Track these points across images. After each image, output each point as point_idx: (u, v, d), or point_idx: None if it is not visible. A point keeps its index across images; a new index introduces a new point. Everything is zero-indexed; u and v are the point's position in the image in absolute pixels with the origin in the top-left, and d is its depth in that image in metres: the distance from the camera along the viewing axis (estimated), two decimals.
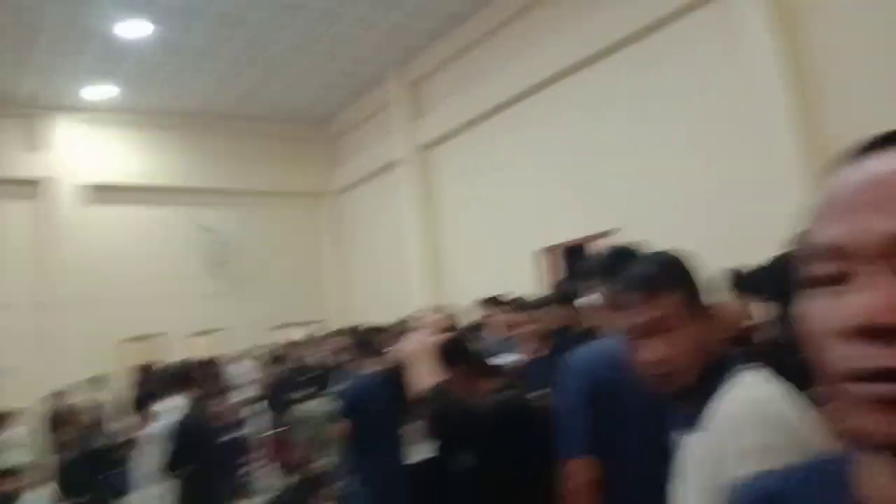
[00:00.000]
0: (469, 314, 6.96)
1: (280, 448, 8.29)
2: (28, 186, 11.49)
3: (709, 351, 1.27)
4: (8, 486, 7.29)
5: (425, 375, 1.90)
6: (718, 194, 7.34)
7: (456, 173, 11.43)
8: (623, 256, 1.85)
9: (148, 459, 5.84)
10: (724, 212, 7.24)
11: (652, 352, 1.24)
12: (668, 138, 7.93)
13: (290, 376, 9.17)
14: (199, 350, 12.49)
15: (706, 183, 7.48)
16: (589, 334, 3.97)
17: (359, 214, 14.00)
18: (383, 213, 12.97)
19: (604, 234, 9.38)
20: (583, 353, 1.87)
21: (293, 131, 14.17)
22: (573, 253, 9.34)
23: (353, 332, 9.71)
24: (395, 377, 4.30)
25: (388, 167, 12.67)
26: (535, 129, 9.81)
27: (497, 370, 2.70)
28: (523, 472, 1.84)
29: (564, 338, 4.07)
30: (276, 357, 10.65)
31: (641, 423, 1.61)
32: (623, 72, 8.47)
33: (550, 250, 9.83)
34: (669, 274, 1.28)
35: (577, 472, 1.74)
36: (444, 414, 1.80)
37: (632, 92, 8.38)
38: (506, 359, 4.45)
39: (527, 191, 9.90)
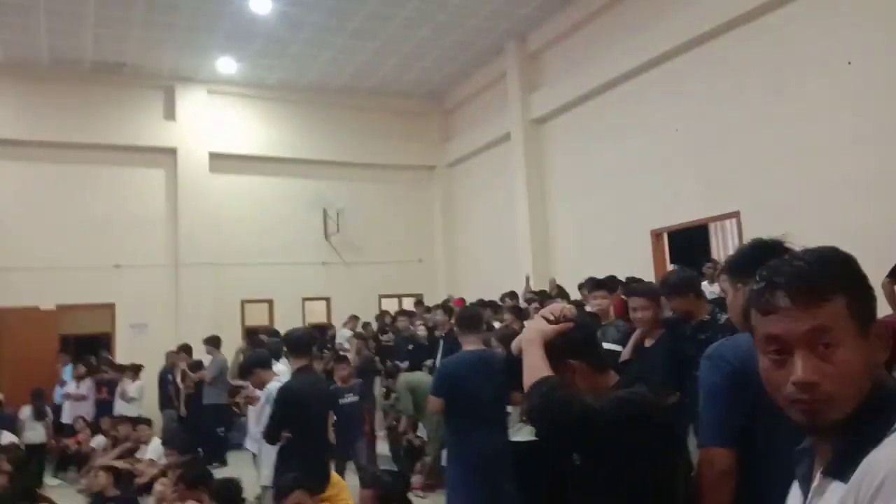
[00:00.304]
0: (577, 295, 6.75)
1: (384, 416, 8.47)
2: (163, 154, 12.23)
3: (874, 378, 1.01)
4: (126, 433, 7.88)
5: (538, 364, 1.78)
6: (870, 179, 6.64)
7: (569, 148, 11.10)
8: (770, 250, 1.88)
9: (256, 420, 6.08)
10: (878, 200, 6.53)
11: (807, 370, 0.98)
12: (808, 113, 7.27)
13: (396, 345, 9.35)
14: (311, 315, 13.00)
15: (855, 165, 6.80)
16: (710, 326, 3.74)
17: (469, 188, 13.96)
18: (493, 188, 12.84)
19: (726, 217, 8.85)
20: (728, 344, 1.95)
21: (407, 105, 14.27)
22: (691, 235, 8.88)
23: (460, 305, 9.78)
24: (496, 357, 4.24)
25: (500, 141, 12.50)
26: (653, 104, 9.32)
27: (616, 365, 2.53)
28: (637, 472, 1.70)
29: (682, 328, 3.83)
30: (385, 326, 10.88)
31: (784, 418, 1.42)
32: (755, 42, 7.83)
33: (666, 232, 9.40)
34: (837, 275, 1.03)
35: (715, 462, 1.83)
36: (550, 409, 1.67)
37: (765, 63, 7.73)
38: (613, 345, 4.25)
39: (643, 168, 9.46)
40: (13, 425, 8.86)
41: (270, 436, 4.33)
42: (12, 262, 10.67)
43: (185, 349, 10.10)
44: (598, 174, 10.33)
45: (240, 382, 7.58)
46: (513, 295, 9.29)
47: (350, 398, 6.97)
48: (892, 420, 0.95)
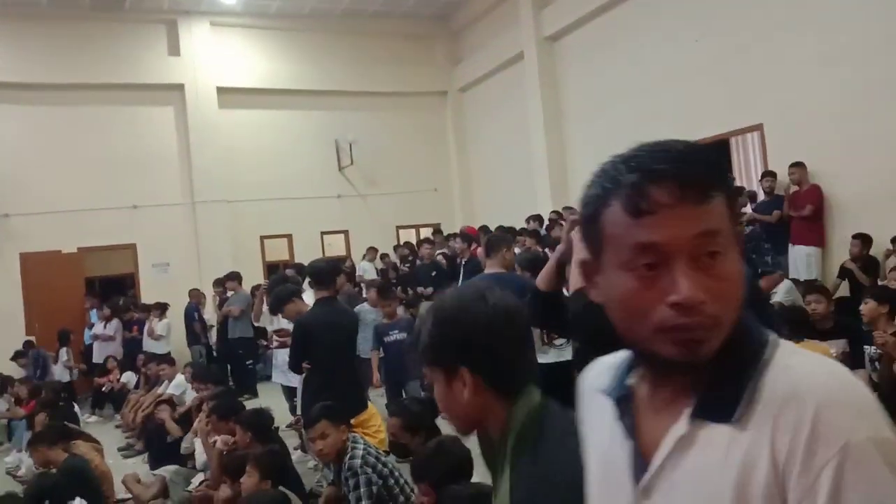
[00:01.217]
0: None
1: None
2: (171, 91, 12.04)
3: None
4: (157, 370, 8.05)
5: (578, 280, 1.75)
6: None
7: (584, 66, 10.75)
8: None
9: (281, 353, 6.16)
10: None
11: (693, 286, 0.75)
12: (834, 19, 6.93)
13: (421, 273, 9.44)
14: (330, 249, 13.04)
15: (883, 72, 6.51)
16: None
17: (482, 113, 13.66)
18: (507, 111, 12.55)
19: (748, 130, 8.61)
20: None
21: (414, 28, 13.84)
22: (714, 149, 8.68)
23: (473, 233, 9.76)
24: (517, 280, 4.20)
25: (513, 62, 12.13)
26: (672, 14, 8.93)
27: None
28: None
29: None
30: (407, 256, 10.92)
31: None
32: None
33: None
34: (719, 164, 0.81)
35: None
36: (588, 320, 1.62)
37: None
38: None
39: (662, 83, 9.15)
40: (47, 366, 9.11)
41: (292, 367, 4.40)
42: (31, 208, 10.71)
43: (218, 282, 10.18)
44: (615, 92, 10.03)
45: (263, 325, 7.66)
46: (538, 218, 9.24)
47: (396, 335, 6.24)
48: (763, 340, 0.80)
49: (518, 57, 11.86)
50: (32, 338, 9.93)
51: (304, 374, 4.52)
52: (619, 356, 0.93)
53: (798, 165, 7.26)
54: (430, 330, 1.29)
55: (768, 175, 7.63)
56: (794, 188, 7.42)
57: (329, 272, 4.83)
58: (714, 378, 0.79)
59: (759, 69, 7.78)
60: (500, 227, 8.71)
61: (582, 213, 0.86)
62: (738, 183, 8.87)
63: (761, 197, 7.82)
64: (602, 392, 0.93)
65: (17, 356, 9.34)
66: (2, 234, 10.54)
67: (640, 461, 0.84)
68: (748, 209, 7.63)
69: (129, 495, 5.70)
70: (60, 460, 5.18)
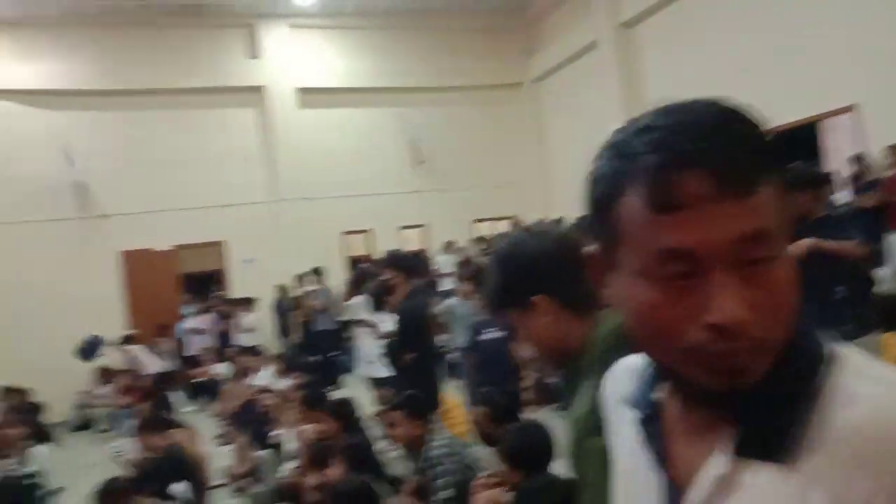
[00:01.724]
0: None
1: None
2: (252, 93, 12.50)
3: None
4: (247, 362, 8.40)
5: None
6: None
7: (662, 51, 10.47)
8: None
9: (367, 344, 6.33)
10: None
11: (735, 304, 0.59)
12: None
13: None
14: (408, 244, 13.25)
15: None
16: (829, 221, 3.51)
17: (558, 102, 13.52)
18: (584, 101, 12.37)
19: (840, 112, 8.19)
20: None
21: (488, 20, 13.83)
22: (795, 136, 8.28)
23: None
24: None
25: (588, 50, 11.95)
26: None
27: None
28: None
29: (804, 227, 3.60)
30: (483, 248, 10.98)
31: None
32: None
33: (774, 132, 8.80)
34: (768, 145, 0.65)
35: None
36: None
37: None
38: None
39: (745, 66, 8.80)
40: (147, 358, 9.67)
41: (389, 356, 4.46)
42: (129, 208, 11.36)
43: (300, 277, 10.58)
44: (695, 77, 9.70)
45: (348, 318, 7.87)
46: None
47: (491, 333, 5.64)
48: (823, 357, 0.65)
49: (593, 45, 11.67)
50: (133, 331, 10.57)
51: (398, 363, 4.57)
52: (644, 358, 0.78)
53: None
54: (496, 277, 1.35)
55: (858, 158, 7.24)
56: (891, 171, 7.02)
57: (414, 261, 4.94)
58: (760, 406, 0.63)
59: (852, 47, 7.38)
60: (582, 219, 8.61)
61: (589, 194, 0.69)
62: (824, 168, 8.46)
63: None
64: (626, 403, 0.78)
65: (119, 347, 9.93)
66: (103, 233, 11.22)
67: (673, 493, 0.69)
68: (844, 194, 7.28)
69: (224, 481, 6.02)
70: (162, 446, 5.52)
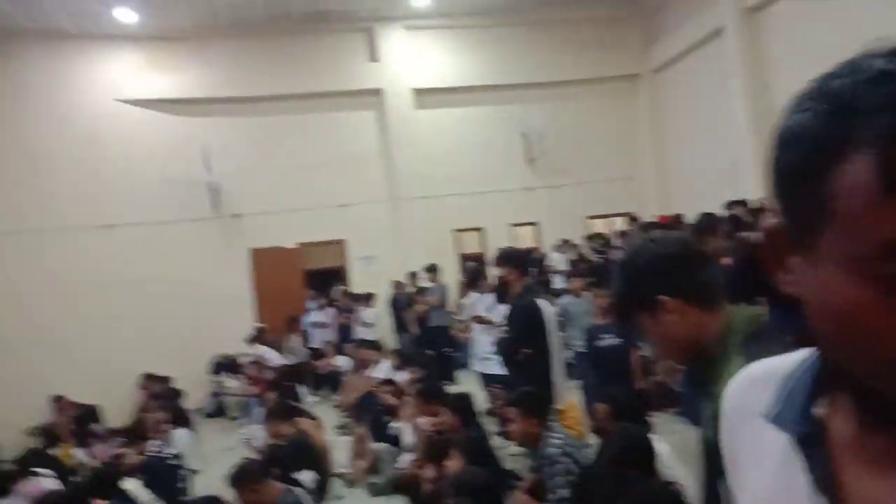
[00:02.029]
0: None
1: None
2: (371, 96, 12.89)
3: None
4: (366, 355, 8.67)
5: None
6: None
7: (793, 36, 9.80)
8: None
9: (481, 340, 6.37)
10: None
11: None
12: None
13: (610, 264, 9.23)
14: (520, 241, 13.22)
15: None
16: None
17: (678, 94, 12.99)
18: (706, 90, 11.81)
19: None
20: None
21: (606, 10, 13.53)
22: None
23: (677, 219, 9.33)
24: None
25: (711, 37, 11.40)
26: None
27: None
28: None
29: None
30: (599, 246, 10.77)
31: None
32: None
33: None
34: None
35: None
36: None
37: None
38: None
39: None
40: (279, 351, 10.23)
41: (504, 353, 4.46)
42: (258, 208, 12.04)
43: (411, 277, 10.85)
44: (830, 63, 9.02)
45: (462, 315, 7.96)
46: (741, 203, 8.56)
47: (608, 339, 5.40)
48: None
49: (717, 32, 11.13)
50: (263, 325, 11.23)
51: (512, 360, 4.54)
52: (782, 364, 0.68)
53: None
54: (621, 283, 1.43)
55: None
56: None
57: (523, 257, 4.91)
58: None
59: None
60: (704, 215, 8.22)
61: (781, 154, 0.56)
62: None
63: None
64: (766, 419, 0.66)
65: (251, 341, 10.53)
66: (235, 232, 11.97)
67: None
68: None
69: (344, 471, 6.26)
70: (289, 434, 5.83)
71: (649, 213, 12.44)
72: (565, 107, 13.42)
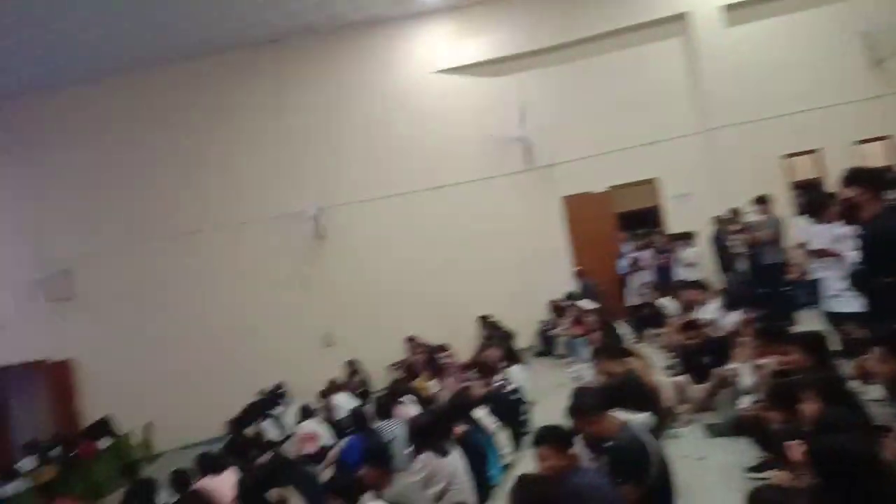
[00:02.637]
0: None
1: None
2: (673, 22, 12.11)
3: None
4: (692, 296, 8.32)
5: None
6: None
7: None
8: None
9: (829, 276, 5.72)
10: None
11: None
12: None
13: None
14: (868, 161, 11.39)
15: None
16: None
17: None
18: None
19: None
20: None
21: None
22: None
23: None
24: None
25: None
26: None
27: None
28: None
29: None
30: None
31: None
32: None
33: None
34: None
35: None
36: None
37: None
38: None
39: None
40: (596, 294, 10.43)
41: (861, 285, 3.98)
42: (568, 156, 12.21)
43: (734, 212, 10.10)
44: None
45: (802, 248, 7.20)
46: None
47: None
48: None
49: None
50: (580, 268, 11.51)
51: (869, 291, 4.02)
52: None
53: None
54: None
55: None
56: None
57: (890, 175, 4.25)
58: None
59: None
60: None
61: None
62: None
63: None
64: None
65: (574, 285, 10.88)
66: (549, 182, 12.35)
67: None
68: None
69: (677, 412, 6.17)
70: (618, 372, 5.93)
71: None
72: None
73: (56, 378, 12.39)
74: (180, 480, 6.29)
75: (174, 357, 12.31)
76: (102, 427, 11.28)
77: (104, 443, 10.85)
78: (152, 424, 11.84)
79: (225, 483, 5.83)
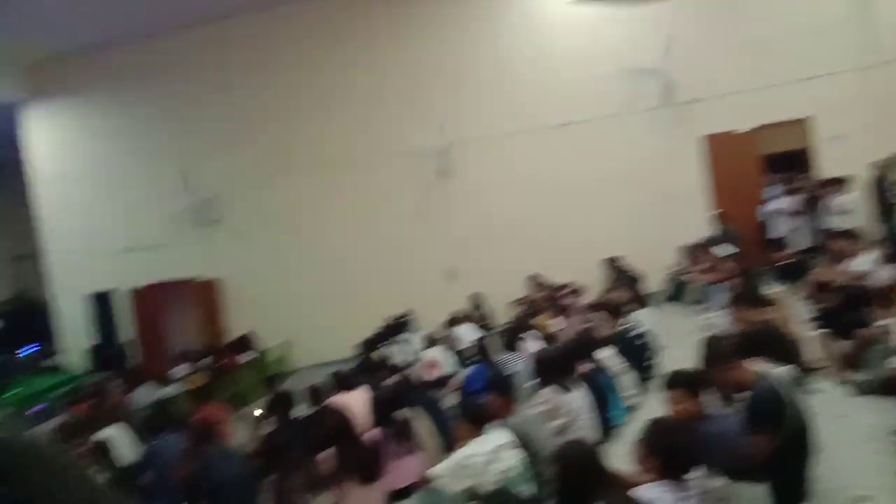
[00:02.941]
0: None
1: None
2: None
3: None
4: (841, 246, 7.73)
5: None
6: None
7: None
8: None
9: None
10: None
11: None
12: None
13: None
14: None
15: None
16: None
17: None
18: None
19: None
20: None
21: None
22: None
23: None
24: None
25: None
26: None
27: None
28: None
29: None
30: None
31: None
32: None
33: None
34: None
35: None
36: None
37: None
38: None
39: None
40: (736, 239, 9.92)
41: None
42: (711, 92, 11.39)
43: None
44: None
45: None
46: None
47: None
48: None
49: None
50: (722, 210, 10.94)
51: None
52: None
53: None
54: None
55: None
56: None
57: None
58: None
59: None
60: None
61: None
62: None
63: None
64: None
65: (710, 242, 10.36)
66: (686, 119, 11.65)
67: None
68: None
69: (821, 366, 5.84)
70: (757, 321, 5.66)
71: None
72: None
73: (204, 295, 13.56)
74: (316, 395, 6.76)
75: (310, 281, 13.10)
76: (244, 342, 12.28)
77: (246, 356, 11.81)
78: (290, 342, 12.75)
79: (356, 399, 6.21)
